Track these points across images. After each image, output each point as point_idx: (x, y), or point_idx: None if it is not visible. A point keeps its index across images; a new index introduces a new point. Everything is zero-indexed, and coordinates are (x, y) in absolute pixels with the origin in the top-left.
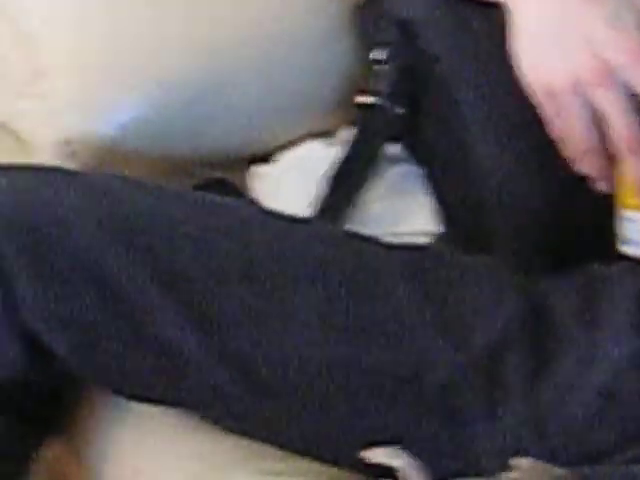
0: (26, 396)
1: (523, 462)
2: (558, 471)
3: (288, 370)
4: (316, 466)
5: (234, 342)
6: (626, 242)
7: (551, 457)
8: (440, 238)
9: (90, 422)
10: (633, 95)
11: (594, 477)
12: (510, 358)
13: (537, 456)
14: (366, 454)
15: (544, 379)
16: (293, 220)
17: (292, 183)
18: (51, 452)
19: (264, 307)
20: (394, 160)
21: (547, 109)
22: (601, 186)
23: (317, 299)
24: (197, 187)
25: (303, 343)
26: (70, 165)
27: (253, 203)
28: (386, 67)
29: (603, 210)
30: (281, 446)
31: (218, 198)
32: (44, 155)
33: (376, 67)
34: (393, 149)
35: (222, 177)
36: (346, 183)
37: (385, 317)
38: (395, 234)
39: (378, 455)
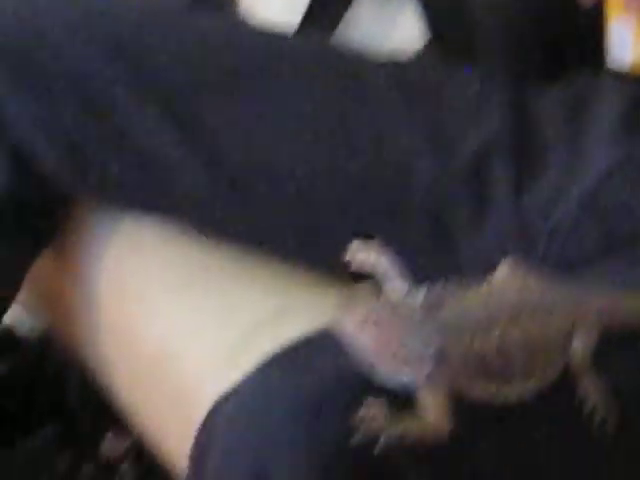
0: (18, 213)
1: (504, 265)
2: (538, 274)
3: (274, 178)
4: (300, 273)
5: (220, 151)
6: (614, 55)
7: (540, 263)
8: (425, 51)
9: (79, 237)
10: None
11: (569, 279)
12: (495, 168)
13: (525, 258)
14: (349, 250)
15: (529, 189)
16: (279, 32)
17: None
18: (41, 268)
19: (250, 116)
20: None
21: None
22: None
23: (303, 108)
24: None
25: (290, 151)
26: None
27: (240, 18)
28: None
29: (589, 25)
30: (267, 251)
31: (206, 13)
32: None
33: None
34: None
35: None
36: None
37: (371, 125)
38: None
39: (359, 250)
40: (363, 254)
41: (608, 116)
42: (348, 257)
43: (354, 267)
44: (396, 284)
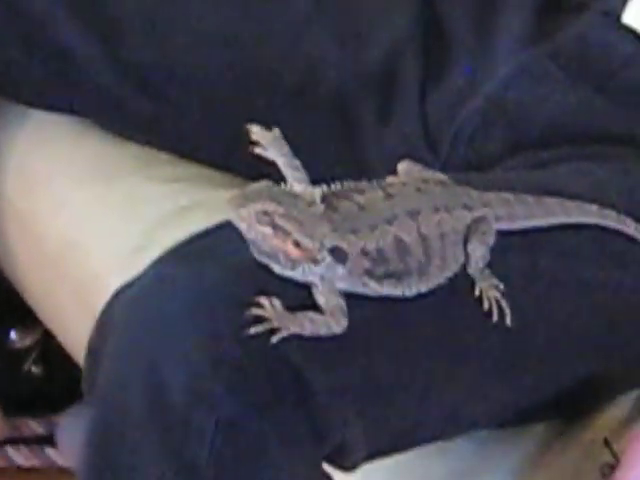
0: None
1: (403, 164)
2: (438, 175)
3: (182, 74)
4: (206, 171)
5: (128, 46)
6: None
7: (442, 166)
8: None
9: None
10: None
11: (468, 181)
12: (403, 67)
13: (427, 166)
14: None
15: (436, 88)
16: None
17: None
18: None
19: (157, 13)
20: None
21: None
22: None
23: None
24: None
25: (198, 49)
26: None
27: None
28: None
29: None
30: (174, 149)
31: None
32: None
33: None
34: None
35: None
36: None
37: (280, 19)
38: None
39: (259, 134)
40: (263, 138)
41: (517, 15)
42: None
43: (255, 151)
44: (293, 179)
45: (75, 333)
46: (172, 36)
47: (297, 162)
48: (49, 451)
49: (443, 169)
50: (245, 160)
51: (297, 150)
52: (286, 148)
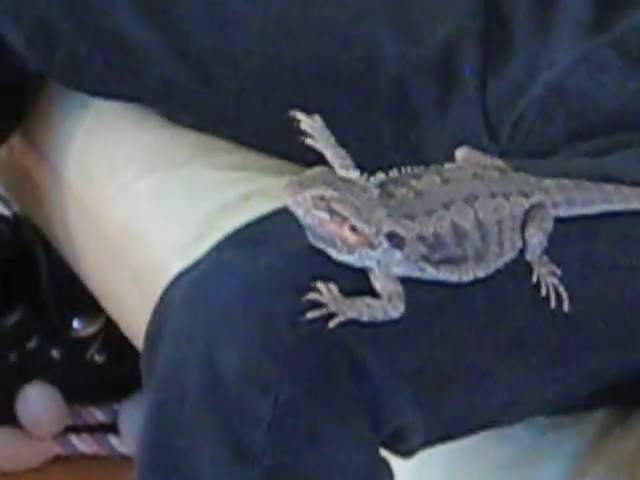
0: None
1: (462, 151)
2: (496, 162)
3: (242, 64)
4: (266, 159)
5: (189, 36)
6: None
7: (501, 154)
8: None
9: (49, 118)
10: None
11: (527, 168)
12: (462, 55)
13: (488, 145)
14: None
15: (495, 75)
16: None
17: None
18: (12, 150)
19: (219, 6)
20: None
21: None
22: None
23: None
24: None
25: (258, 38)
26: None
27: None
28: None
29: None
30: (235, 139)
31: None
32: None
33: None
34: None
35: None
36: None
37: (337, 12)
38: None
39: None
40: (311, 128)
41: (577, 5)
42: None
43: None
44: (341, 168)
45: (136, 320)
46: (233, 26)
47: (343, 151)
48: (112, 439)
49: (503, 157)
50: (303, 148)
51: (356, 138)
52: (332, 138)
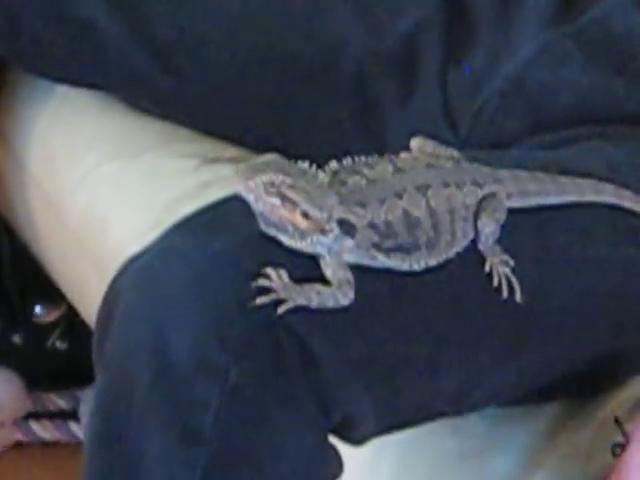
0: None
1: (416, 140)
2: (451, 151)
3: (205, 53)
4: (226, 148)
5: (153, 24)
6: None
7: (462, 145)
8: None
9: (12, 103)
10: None
11: (482, 159)
12: (424, 46)
13: (449, 137)
14: None
15: (457, 68)
16: None
17: None
18: None
19: None
20: None
21: None
22: None
23: None
24: None
25: (221, 28)
26: None
27: None
28: None
29: None
30: (196, 127)
31: None
32: None
33: None
34: None
35: None
36: None
37: (304, 3)
38: None
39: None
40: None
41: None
42: None
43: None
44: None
45: (96, 307)
46: (196, 15)
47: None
48: (73, 426)
49: (463, 148)
50: (266, 136)
51: (318, 129)
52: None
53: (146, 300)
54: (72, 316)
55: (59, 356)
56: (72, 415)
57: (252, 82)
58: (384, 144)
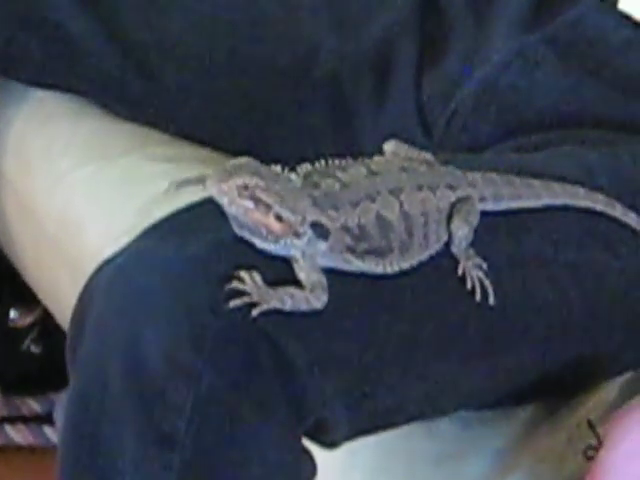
0: None
1: (390, 144)
2: (424, 155)
3: (179, 57)
4: (202, 151)
5: (127, 28)
6: None
7: (435, 149)
8: None
9: None
10: None
11: (455, 162)
12: (398, 50)
13: (421, 149)
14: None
15: (431, 72)
16: None
17: None
18: None
19: None
20: None
21: None
22: None
23: None
24: None
25: (195, 32)
26: None
27: None
28: None
29: None
30: (170, 131)
31: None
32: None
33: None
34: None
35: None
36: None
37: (278, 7)
38: None
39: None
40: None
41: (514, 1)
42: None
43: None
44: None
45: (71, 311)
46: (169, 18)
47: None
48: (47, 430)
49: (437, 152)
50: (240, 141)
51: (292, 133)
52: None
53: (119, 304)
54: (47, 320)
55: (34, 360)
56: (47, 419)
57: (226, 86)
58: (358, 148)
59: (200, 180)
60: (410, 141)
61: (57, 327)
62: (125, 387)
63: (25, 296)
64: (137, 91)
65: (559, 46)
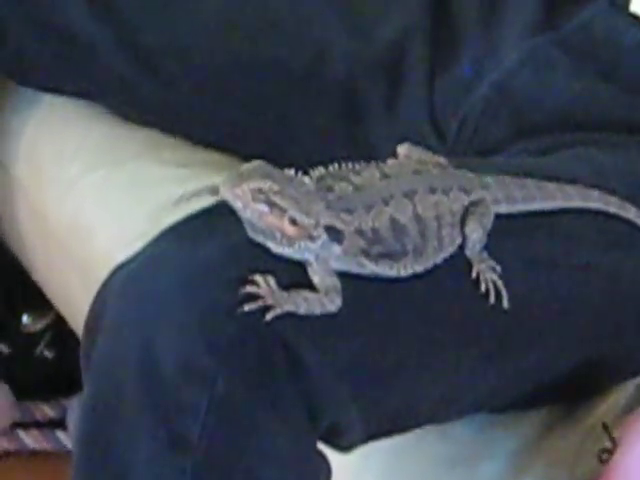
0: None
1: (403, 147)
2: (437, 158)
3: (191, 60)
4: (214, 156)
5: (138, 32)
6: None
7: (448, 152)
8: None
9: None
10: None
11: (468, 165)
12: (410, 53)
13: (433, 152)
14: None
15: (443, 75)
16: None
17: None
18: None
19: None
20: None
21: None
22: None
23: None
24: None
25: (207, 35)
26: None
27: None
28: None
29: None
30: (181, 135)
31: None
32: None
33: None
34: None
35: None
36: None
37: (290, 10)
38: None
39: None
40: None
41: (525, 4)
42: None
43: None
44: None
45: (83, 316)
46: (181, 22)
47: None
48: (60, 434)
49: (449, 155)
50: (252, 144)
51: (305, 137)
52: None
53: (133, 308)
54: (60, 325)
55: (47, 365)
56: (60, 424)
57: (237, 89)
58: (371, 151)
59: (212, 190)
60: (422, 144)
61: (70, 332)
62: (139, 391)
63: (38, 301)
64: (148, 95)
65: (570, 49)
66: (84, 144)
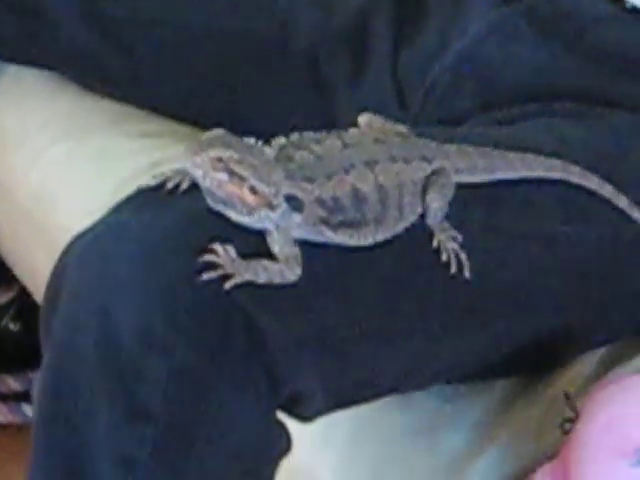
0: None
1: (364, 117)
2: (399, 127)
3: (156, 32)
4: (179, 127)
5: (103, 4)
6: None
7: (413, 123)
8: None
9: None
10: None
11: (430, 134)
12: (375, 25)
13: (399, 114)
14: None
15: (408, 46)
16: None
17: None
18: None
19: None
20: None
21: None
22: None
23: None
24: None
25: (172, 7)
26: None
27: None
28: None
29: None
30: (146, 106)
31: None
32: None
33: None
34: None
35: None
36: None
37: None
38: None
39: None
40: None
41: None
42: None
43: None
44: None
45: None
46: None
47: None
48: (26, 408)
49: (414, 126)
50: (216, 114)
51: (269, 108)
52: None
53: (93, 277)
54: (25, 297)
55: (12, 338)
56: (25, 397)
57: (201, 60)
58: (334, 122)
59: (179, 172)
60: (387, 115)
61: (35, 305)
62: (99, 361)
63: (2, 274)
64: (113, 67)
65: (536, 19)
66: (49, 116)
